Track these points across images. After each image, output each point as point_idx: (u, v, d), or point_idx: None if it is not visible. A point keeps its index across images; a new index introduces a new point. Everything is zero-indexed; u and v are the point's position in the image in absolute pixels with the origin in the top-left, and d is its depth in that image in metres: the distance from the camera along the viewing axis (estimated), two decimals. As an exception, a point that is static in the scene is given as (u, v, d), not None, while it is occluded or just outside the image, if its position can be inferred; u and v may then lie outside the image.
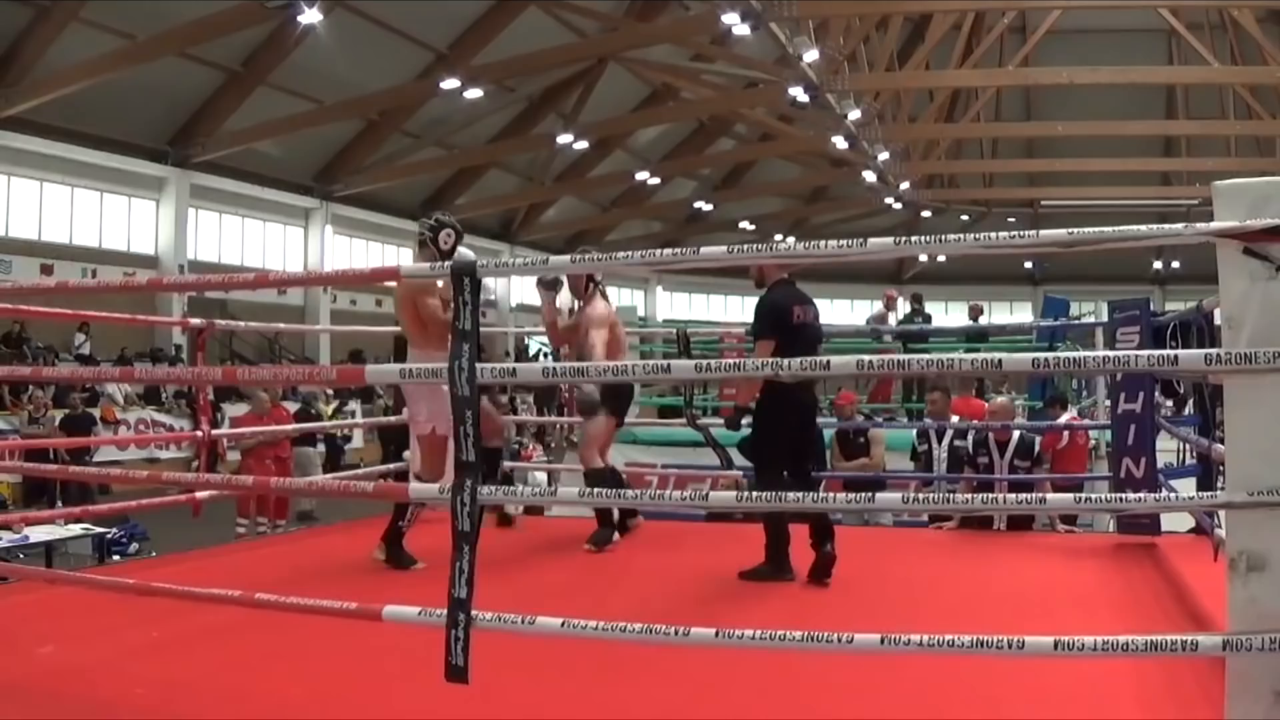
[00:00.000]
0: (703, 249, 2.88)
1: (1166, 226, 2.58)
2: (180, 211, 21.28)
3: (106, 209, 20.68)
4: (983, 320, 16.23)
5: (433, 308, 5.02)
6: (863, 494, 2.90)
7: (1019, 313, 34.97)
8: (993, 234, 2.57)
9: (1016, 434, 6.87)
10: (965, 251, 2.60)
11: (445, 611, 2.78)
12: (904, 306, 14.06)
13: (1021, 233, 2.62)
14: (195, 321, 6.36)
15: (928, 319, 14.43)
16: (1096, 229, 2.49)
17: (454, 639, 2.76)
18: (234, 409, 15.94)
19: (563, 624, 2.74)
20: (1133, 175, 29.49)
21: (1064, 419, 8.14)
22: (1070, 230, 2.51)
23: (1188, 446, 6.96)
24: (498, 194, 27.86)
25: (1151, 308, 6.20)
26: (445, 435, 4.91)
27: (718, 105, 25.65)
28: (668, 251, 2.88)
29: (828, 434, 8.12)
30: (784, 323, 4.81)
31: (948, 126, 27.70)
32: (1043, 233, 2.60)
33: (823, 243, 2.74)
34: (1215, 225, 2.40)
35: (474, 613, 2.77)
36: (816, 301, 5.12)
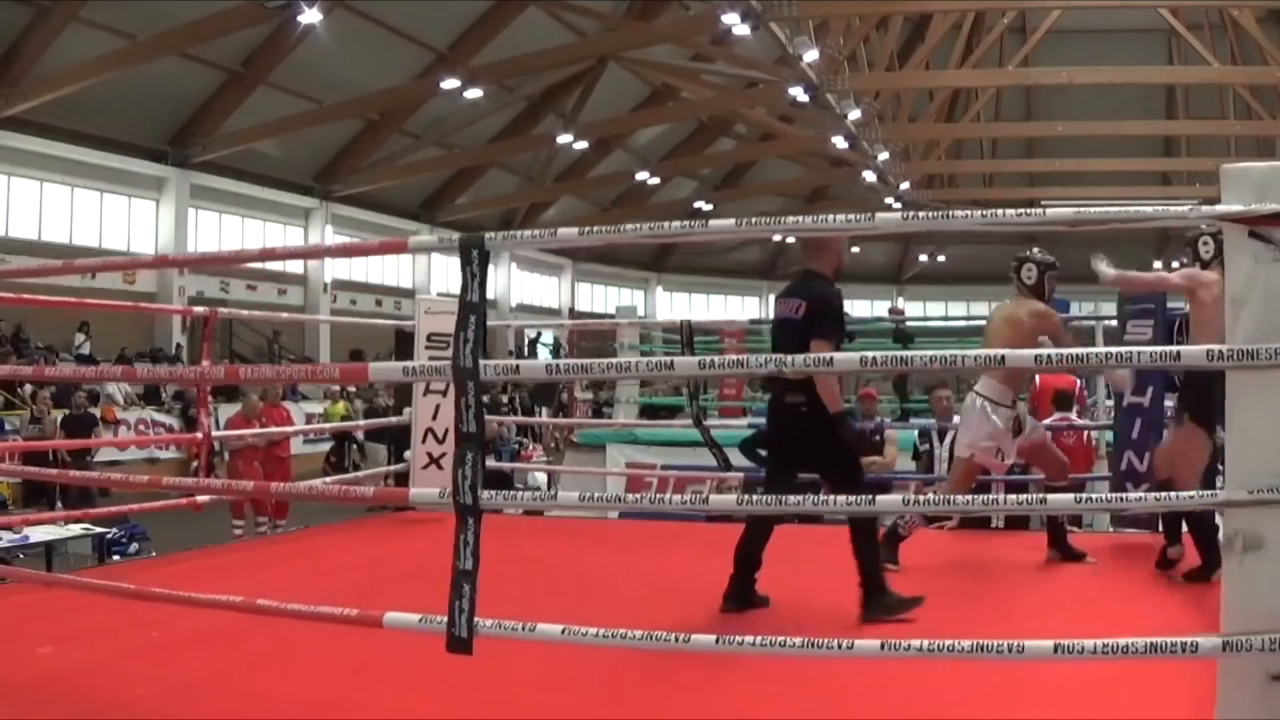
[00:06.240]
0: (711, 221, 2.84)
1: (1174, 209, 2.58)
2: (180, 211, 21.25)
3: (106, 209, 20.65)
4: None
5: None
6: (863, 496, 2.89)
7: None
8: (999, 210, 2.56)
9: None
10: (968, 228, 2.59)
11: (445, 618, 2.76)
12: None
13: (1028, 210, 2.61)
14: (199, 310, 6.37)
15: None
16: (1102, 208, 2.49)
17: (458, 610, 2.72)
18: (226, 410, 15.91)
19: (563, 630, 2.72)
20: (1133, 175, 29.44)
21: (1048, 421, 8.10)
22: (1077, 209, 2.51)
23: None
24: (498, 194, 27.81)
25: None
26: (980, 464, 5.20)
27: (718, 105, 25.61)
28: (676, 224, 2.83)
29: None
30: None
31: (948, 126, 27.66)
32: (1049, 211, 2.59)
33: (830, 216, 2.67)
34: (1221, 208, 2.41)
35: (476, 619, 2.75)
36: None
